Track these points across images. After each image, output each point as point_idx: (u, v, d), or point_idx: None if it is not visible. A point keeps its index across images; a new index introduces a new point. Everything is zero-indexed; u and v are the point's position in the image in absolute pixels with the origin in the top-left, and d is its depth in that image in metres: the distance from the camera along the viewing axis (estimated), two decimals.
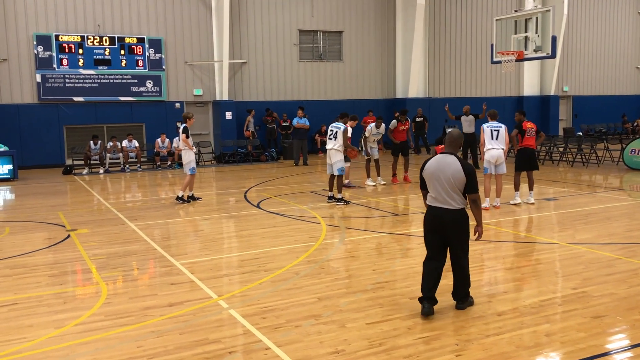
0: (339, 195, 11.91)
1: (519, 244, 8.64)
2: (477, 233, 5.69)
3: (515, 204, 11.39)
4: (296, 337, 5.14)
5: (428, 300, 5.56)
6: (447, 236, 5.58)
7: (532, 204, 11.48)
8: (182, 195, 12.44)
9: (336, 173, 11.89)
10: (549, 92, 28.54)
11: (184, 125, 12.22)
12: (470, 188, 5.51)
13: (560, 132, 27.86)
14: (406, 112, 15.34)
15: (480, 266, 7.53)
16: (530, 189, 11.59)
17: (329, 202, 12.01)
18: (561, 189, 13.67)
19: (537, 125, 11.97)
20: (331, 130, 12.10)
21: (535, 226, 9.98)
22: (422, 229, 5.76)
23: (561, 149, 19.20)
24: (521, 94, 28.69)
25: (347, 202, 11.89)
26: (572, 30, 29.20)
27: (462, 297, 5.76)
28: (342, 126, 12.01)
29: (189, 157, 12.28)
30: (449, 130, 5.74)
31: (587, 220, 9.98)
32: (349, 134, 12.18)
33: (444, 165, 5.53)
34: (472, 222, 5.74)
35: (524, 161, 11.43)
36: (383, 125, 14.73)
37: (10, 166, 16.96)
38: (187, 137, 12.17)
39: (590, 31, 30.21)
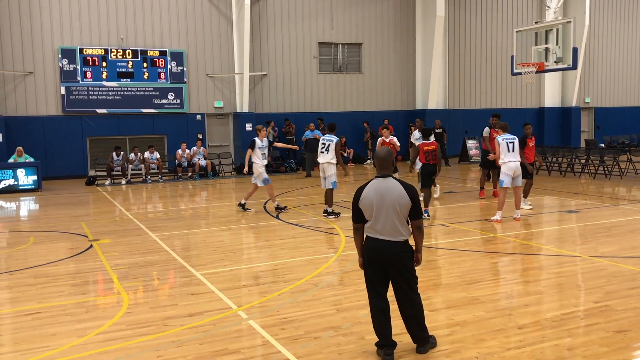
0: (329, 209, 11.75)
1: (540, 257, 8.55)
2: (416, 260, 4.96)
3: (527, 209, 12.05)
4: (315, 348, 5.14)
5: (390, 347, 4.87)
6: (390, 272, 4.85)
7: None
8: (277, 205, 12.56)
9: (329, 187, 11.68)
10: (571, 104, 28.26)
11: (253, 138, 12.41)
12: (415, 213, 4.81)
13: (582, 144, 27.55)
14: (499, 117, 13.81)
15: (500, 279, 7.47)
16: (525, 196, 12.30)
17: (324, 217, 11.79)
18: (583, 201, 13.50)
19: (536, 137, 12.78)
20: (323, 144, 11.78)
21: (557, 239, 9.87)
22: (362, 262, 5.00)
23: (583, 161, 18.98)
24: (542, 105, 28.46)
25: (337, 215, 11.73)
26: (593, 41, 28.94)
27: (423, 338, 4.97)
28: (334, 139, 11.73)
29: (257, 169, 12.39)
30: (378, 149, 5.05)
31: (610, 233, 9.84)
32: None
33: (385, 190, 4.75)
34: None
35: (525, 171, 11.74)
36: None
37: (34, 177, 17.26)
38: (253, 149, 12.27)
39: (612, 42, 29.91)
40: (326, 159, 11.69)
